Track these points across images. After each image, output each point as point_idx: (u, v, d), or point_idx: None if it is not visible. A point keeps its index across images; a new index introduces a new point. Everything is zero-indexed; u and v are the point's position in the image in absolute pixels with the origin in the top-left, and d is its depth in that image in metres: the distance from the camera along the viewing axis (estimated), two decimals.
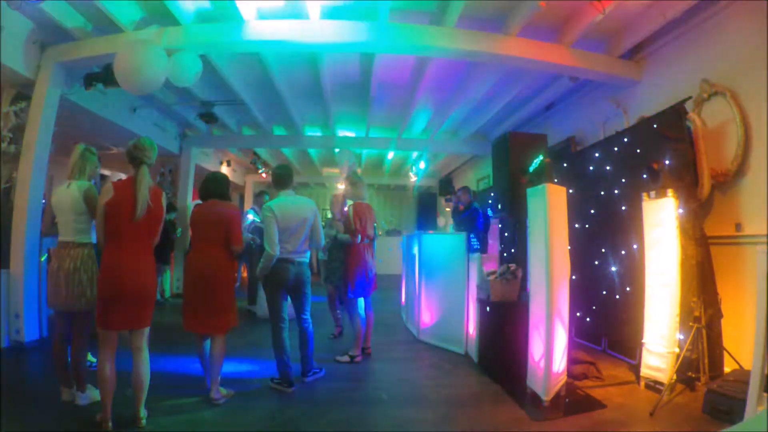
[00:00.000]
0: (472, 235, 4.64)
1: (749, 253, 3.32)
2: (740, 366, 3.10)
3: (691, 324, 3.10)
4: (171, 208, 7.27)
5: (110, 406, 2.48)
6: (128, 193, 2.52)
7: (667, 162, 3.46)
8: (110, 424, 2.46)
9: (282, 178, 3.47)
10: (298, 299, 3.45)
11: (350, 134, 9.12)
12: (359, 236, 4.10)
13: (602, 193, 4.28)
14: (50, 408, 2.79)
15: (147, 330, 2.61)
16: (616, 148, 4.17)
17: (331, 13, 4.45)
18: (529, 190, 3.29)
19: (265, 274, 3.30)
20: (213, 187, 3.23)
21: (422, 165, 10.34)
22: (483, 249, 4.56)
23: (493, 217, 5.80)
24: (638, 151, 3.85)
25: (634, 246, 3.78)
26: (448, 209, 8.50)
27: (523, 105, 7.07)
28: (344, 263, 4.34)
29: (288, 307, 3.44)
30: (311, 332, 3.53)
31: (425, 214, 13.78)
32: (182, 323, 3.08)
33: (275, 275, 3.29)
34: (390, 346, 4.77)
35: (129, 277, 2.49)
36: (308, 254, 3.52)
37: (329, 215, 5.50)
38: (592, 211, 4.42)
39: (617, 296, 4.03)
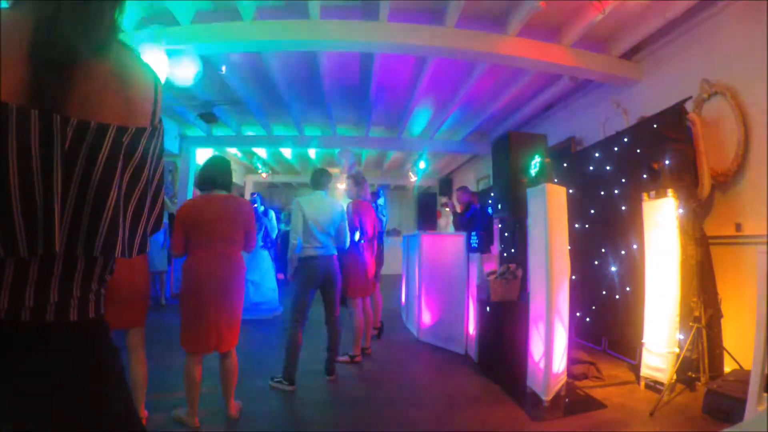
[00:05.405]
0: (473, 234, 4.65)
1: (749, 253, 3.32)
2: (740, 366, 3.09)
3: (691, 324, 3.10)
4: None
5: None
6: None
7: (667, 162, 3.45)
8: None
9: (317, 179, 3.68)
10: (328, 296, 3.53)
11: (350, 134, 9.11)
12: (359, 235, 4.11)
13: (602, 193, 4.27)
14: None
15: (141, 329, 2.60)
16: (616, 148, 4.16)
17: (331, 13, 4.44)
18: (529, 190, 3.29)
19: (294, 266, 3.39)
20: (219, 175, 2.75)
21: (422, 165, 10.34)
22: (483, 248, 4.56)
23: (493, 216, 5.81)
24: (638, 151, 3.85)
25: (634, 246, 3.78)
26: (447, 209, 8.48)
27: (523, 105, 7.06)
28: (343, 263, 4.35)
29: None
30: (341, 333, 3.59)
31: (425, 214, 13.72)
32: (184, 343, 2.61)
33: (305, 271, 3.38)
34: (390, 346, 4.77)
35: (117, 275, 2.44)
36: (335, 249, 3.60)
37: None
38: (592, 211, 4.42)
39: (617, 296, 4.03)
